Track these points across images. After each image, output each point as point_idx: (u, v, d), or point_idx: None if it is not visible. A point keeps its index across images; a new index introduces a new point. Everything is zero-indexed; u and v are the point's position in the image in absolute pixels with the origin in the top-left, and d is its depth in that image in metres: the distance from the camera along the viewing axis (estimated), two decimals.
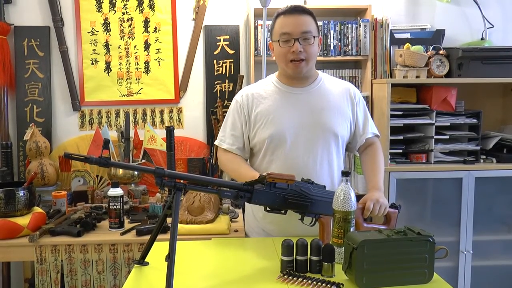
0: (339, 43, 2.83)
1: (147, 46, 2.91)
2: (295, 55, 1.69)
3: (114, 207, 2.15)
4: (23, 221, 2.08)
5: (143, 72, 2.92)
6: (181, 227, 2.10)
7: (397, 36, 2.91)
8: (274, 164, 1.73)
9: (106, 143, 1.35)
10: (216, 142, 1.87)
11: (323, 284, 1.27)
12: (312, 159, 1.72)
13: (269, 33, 1.85)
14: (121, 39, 2.89)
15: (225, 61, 2.95)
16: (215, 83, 2.95)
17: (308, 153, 1.72)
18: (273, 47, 1.78)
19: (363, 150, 1.87)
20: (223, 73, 2.95)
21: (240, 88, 2.80)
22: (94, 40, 2.88)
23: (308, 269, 1.37)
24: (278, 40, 1.71)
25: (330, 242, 1.42)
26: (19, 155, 2.85)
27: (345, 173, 1.41)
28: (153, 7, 2.89)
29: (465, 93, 2.84)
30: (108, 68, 2.90)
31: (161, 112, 2.96)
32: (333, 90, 1.80)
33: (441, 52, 2.75)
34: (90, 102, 2.91)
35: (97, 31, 2.88)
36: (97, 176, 2.82)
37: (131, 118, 2.92)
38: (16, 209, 2.08)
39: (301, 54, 1.69)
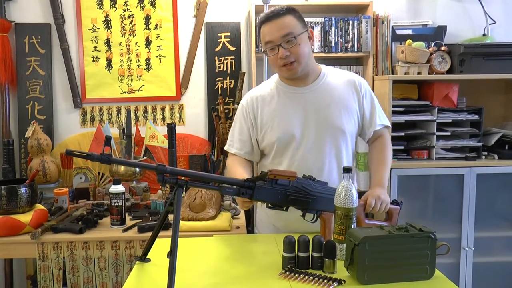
0: (341, 40, 2.82)
1: (148, 43, 2.91)
2: (283, 60, 1.67)
3: (116, 204, 2.15)
4: (25, 218, 2.09)
5: (144, 69, 2.92)
6: (182, 224, 2.11)
7: (398, 32, 2.90)
8: (283, 165, 1.74)
9: (107, 140, 1.34)
10: (225, 147, 1.89)
11: (325, 281, 1.27)
12: (321, 157, 1.72)
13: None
14: (122, 36, 2.89)
15: (226, 58, 2.94)
16: (217, 80, 2.95)
17: (317, 152, 1.72)
18: None
19: (372, 142, 1.85)
20: (225, 70, 2.95)
21: (242, 85, 2.80)
22: (95, 37, 2.88)
23: (310, 266, 1.37)
24: (265, 50, 1.71)
25: (332, 239, 1.42)
26: (20, 153, 2.86)
27: (346, 170, 1.41)
28: (154, 4, 2.89)
29: (467, 90, 2.83)
30: (109, 65, 2.90)
31: (163, 109, 2.96)
32: (338, 84, 1.78)
33: (442, 48, 2.75)
34: (92, 99, 2.91)
35: (98, 28, 2.88)
36: (99, 173, 2.82)
37: (133, 115, 2.92)
38: (18, 206, 2.09)
39: (289, 58, 1.67)
